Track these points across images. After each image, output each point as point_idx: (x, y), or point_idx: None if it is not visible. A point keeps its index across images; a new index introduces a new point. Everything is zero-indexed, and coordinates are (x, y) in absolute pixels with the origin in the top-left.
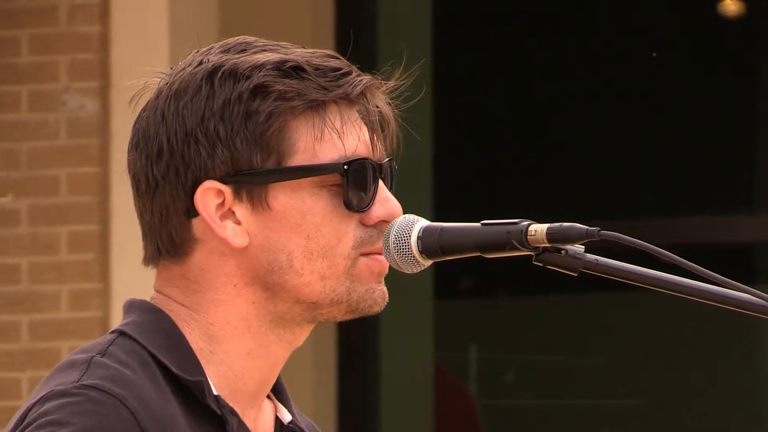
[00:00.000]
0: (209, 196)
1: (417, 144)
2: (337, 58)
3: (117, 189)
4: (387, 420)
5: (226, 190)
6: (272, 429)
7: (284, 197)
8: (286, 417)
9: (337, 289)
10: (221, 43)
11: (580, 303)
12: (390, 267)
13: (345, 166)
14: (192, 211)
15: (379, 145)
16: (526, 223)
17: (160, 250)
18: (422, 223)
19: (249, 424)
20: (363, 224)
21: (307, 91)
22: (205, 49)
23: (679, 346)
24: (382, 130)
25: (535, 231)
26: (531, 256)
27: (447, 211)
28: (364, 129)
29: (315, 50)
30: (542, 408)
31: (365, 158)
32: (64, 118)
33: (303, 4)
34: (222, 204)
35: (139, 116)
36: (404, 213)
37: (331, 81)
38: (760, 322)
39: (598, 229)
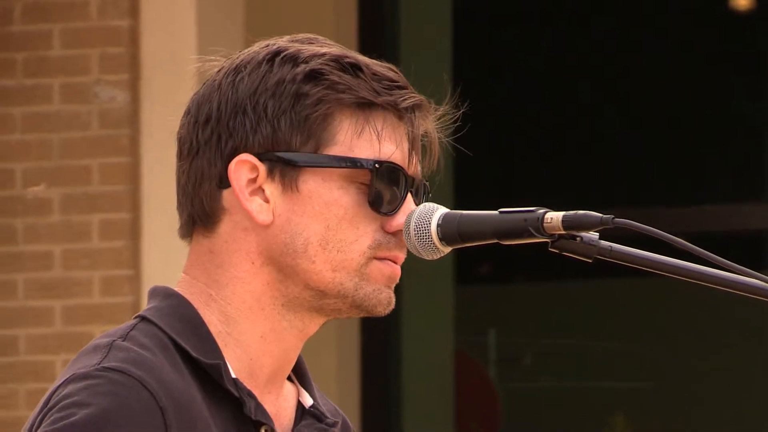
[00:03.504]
0: (243, 168)
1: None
2: (397, 73)
3: (147, 178)
4: (409, 403)
5: (261, 167)
6: (293, 413)
7: (314, 183)
8: (308, 401)
9: (345, 283)
10: (291, 35)
11: (597, 288)
12: (410, 253)
13: (376, 165)
14: (224, 182)
15: (417, 163)
16: (542, 211)
17: (193, 218)
18: (442, 210)
19: (268, 407)
20: (384, 230)
21: (358, 88)
22: (274, 38)
23: (693, 330)
24: (425, 153)
25: (551, 218)
26: (547, 242)
27: (466, 200)
28: (405, 143)
29: (380, 62)
30: (560, 391)
31: (398, 165)
32: (95, 109)
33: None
34: (254, 180)
35: (197, 90)
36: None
37: (385, 88)
38: None
39: (613, 216)
